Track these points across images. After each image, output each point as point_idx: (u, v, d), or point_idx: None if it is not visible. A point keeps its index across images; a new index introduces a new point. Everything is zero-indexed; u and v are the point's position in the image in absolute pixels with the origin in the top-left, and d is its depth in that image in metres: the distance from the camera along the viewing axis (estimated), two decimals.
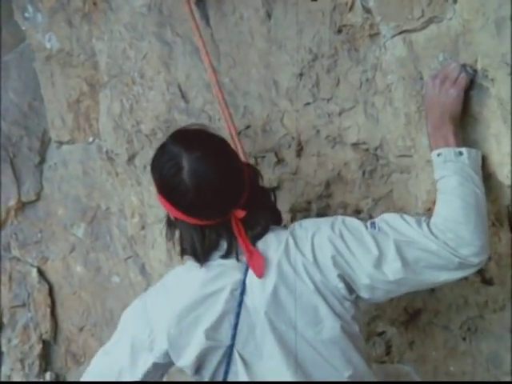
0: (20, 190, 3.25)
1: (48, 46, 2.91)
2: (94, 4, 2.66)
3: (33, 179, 3.25)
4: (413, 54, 1.91)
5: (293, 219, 2.28)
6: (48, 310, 3.27)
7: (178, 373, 2.73)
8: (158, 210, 2.52)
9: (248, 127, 2.34)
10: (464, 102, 1.79)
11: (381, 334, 2.37)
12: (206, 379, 1.90)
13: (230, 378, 1.86)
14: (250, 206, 1.85)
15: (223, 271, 1.85)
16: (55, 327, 3.30)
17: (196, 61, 2.39)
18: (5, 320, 3.33)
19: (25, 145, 3.23)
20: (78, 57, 2.83)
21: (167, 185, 1.83)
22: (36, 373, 3.29)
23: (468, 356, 2.19)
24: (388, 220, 1.80)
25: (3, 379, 3.34)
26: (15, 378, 3.32)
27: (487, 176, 1.82)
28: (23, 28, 3.00)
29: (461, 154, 1.75)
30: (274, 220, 1.96)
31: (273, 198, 2.03)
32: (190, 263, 1.90)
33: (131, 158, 2.64)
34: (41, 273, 3.28)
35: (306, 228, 1.86)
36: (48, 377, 3.29)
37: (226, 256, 1.85)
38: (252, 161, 2.35)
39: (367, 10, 1.98)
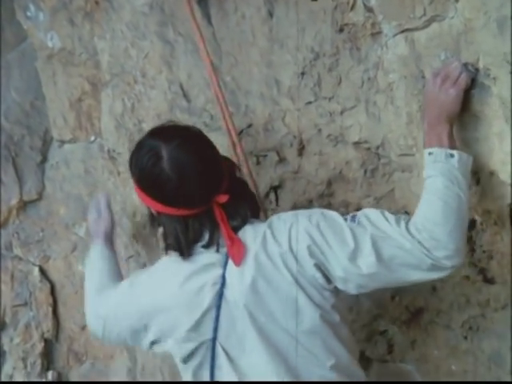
0: (22, 189, 3.26)
1: (50, 44, 2.91)
2: (96, 3, 2.66)
3: (35, 178, 3.26)
4: (414, 53, 1.91)
5: None
6: (50, 308, 3.27)
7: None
8: None
9: (250, 126, 2.35)
10: (466, 100, 1.78)
11: (383, 332, 2.36)
12: (192, 370, 1.93)
13: (216, 372, 1.89)
14: (230, 196, 1.86)
15: (205, 266, 1.87)
16: (57, 326, 3.30)
17: (198, 60, 2.39)
18: (7, 319, 3.34)
19: (27, 144, 3.23)
20: (80, 56, 2.83)
21: (148, 177, 1.85)
22: (38, 372, 3.29)
23: (470, 355, 2.19)
24: (368, 215, 1.80)
25: (5, 378, 3.35)
26: (17, 377, 3.32)
27: (489, 175, 1.82)
28: (25, 27, 3.01)
29: (452, 156, 1.75)
30: (253, 212, 1.98)
31: (254, 191, 2.09)
32: (175, 255, 1.92)
33: None
34: (43, 272, 3.29)
35: (285, 220, 1.87)
36: (50, 376, 3.29)
37: (207, 246, 1.87)
38: (254, 160, 2.35)
39: (369, 9, 1.97)
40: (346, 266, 1.77)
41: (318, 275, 1.80)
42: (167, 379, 2.83)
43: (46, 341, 3.31)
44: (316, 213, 1.86)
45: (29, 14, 2.94)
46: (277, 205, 2.38)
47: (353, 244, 1.76)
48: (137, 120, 2.61)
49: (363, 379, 1.96)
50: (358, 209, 2.20)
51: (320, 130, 2.19)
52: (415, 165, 2.01)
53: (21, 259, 3.31)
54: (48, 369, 3.31)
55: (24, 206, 3.28)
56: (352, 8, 2.01)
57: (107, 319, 2.07)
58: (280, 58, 2.22)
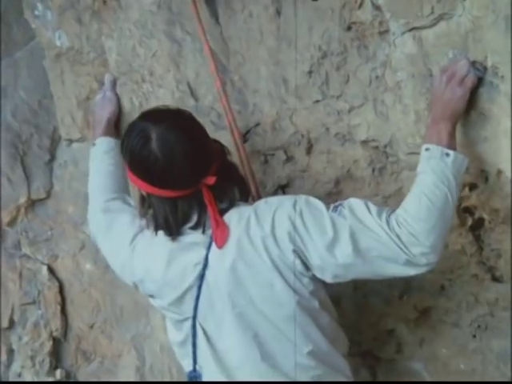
0: (30, 188, 3.26)
1: (58, 43, 2.91)
2: (104, 2, 2.67)
3: (43, 177, 3.26)
4: (422, 51, 1.90)
5: None
6: (58, 307, 3.28)
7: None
8: None
9: (257, 125, 2.35)
10: (474, 99, 1.78)
11: (391, 331, 2.36)
12: (179, 343, 2.01)
13: (197, 351, 1.94)
14: (219, 179, 1.89)
15: (190, 245, 1.91)
16: (65, 325, 3.31)
17: (205, 59, 2.39)
18: (15, 318, 3.34)
19: (35, 143, 3.24)
20: (88, 54, 2.83)
21: (137, 158, 1.88)
22: (46, 370, 3.30)
23: (478, 354, 2.19)
24: (352, 205, 1.81)
25: (14, 377, 3.36)
26: (26, 376, 3.33)
27: (497, 173, 1.82)
28: (33, 26, 3.01)
29: (447, 155, 1.74)
30: (242, 195, 2.01)
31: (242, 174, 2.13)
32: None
33: None
34: (51, 270, 3.29)
35: (271, 204, 1.90)
36: (58, 374, 3.29)
37: (194, 227, 1.90)
38: (261, 158, 2.35)
39: (377, 7, 1.97)
40: (323, 255, 1.79)
41: (297, 261, 1.82)
42: (176, 378, 2.83)
43: (54, 339, 3.31)
44: (301, 199, 1.87)
45: (37, 13, 2.95)
46: None
47: (332, 233, 1.77)
48: None
49: (347, 371, 1.97)
50: None
51: (328, 129, 2.19)
52: None
53: (29, 258, 3.32)
54: (56, 367, 3.32)
55: (32, 204, 3.29)
56: (360, 6, 2.00)
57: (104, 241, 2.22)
58: (288, 57, 2.22)
